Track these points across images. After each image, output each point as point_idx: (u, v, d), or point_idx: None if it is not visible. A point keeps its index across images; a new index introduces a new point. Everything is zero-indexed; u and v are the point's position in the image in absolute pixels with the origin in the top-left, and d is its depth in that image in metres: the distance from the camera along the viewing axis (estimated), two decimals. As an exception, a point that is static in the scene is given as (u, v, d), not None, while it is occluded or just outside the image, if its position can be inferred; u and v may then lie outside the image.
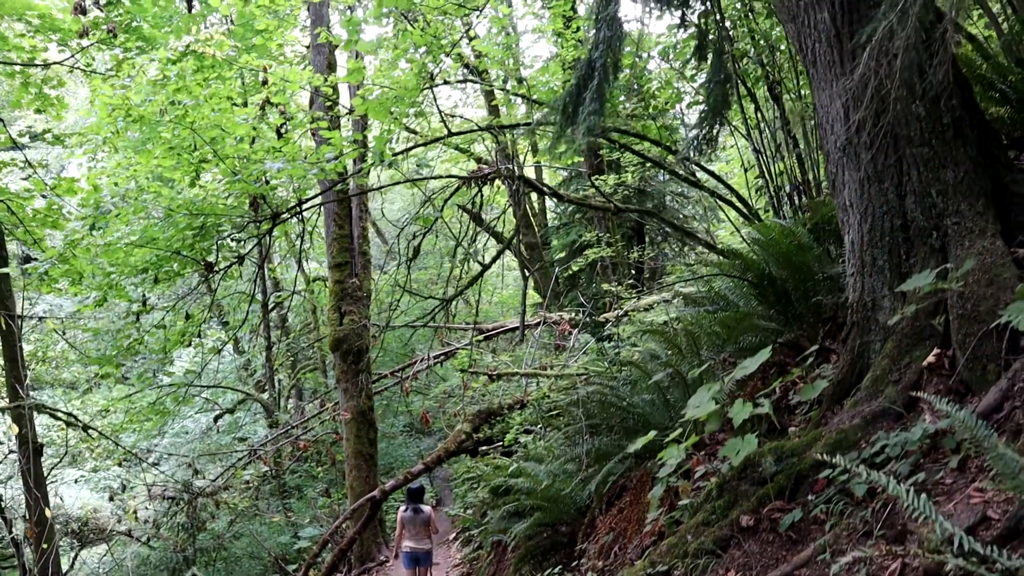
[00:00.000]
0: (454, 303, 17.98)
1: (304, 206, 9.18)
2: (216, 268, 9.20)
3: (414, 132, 21.32)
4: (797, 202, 7.96)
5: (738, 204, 9.16)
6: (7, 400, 16.73)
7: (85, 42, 14.49)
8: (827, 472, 3.87)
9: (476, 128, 9.56)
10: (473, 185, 8.63)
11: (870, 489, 3.66)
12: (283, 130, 10.01)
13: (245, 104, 10.22)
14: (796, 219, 7.34)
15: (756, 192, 9.14)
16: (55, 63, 14.79)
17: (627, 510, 5.81)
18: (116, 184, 9.21)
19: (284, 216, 9.23)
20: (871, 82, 4.21)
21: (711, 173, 9.46)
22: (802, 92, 7.92)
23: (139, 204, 8.68)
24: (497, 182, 9.32)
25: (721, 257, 8.54)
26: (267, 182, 8.97)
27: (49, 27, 14.43)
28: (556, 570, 6.68)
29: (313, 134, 10.90)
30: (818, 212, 6.24)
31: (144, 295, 9.15)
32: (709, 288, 7.05)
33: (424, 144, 9.10)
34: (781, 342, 5.77)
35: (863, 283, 4.73)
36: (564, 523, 7.65)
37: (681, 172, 9.47)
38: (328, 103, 10.53)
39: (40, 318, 17.38)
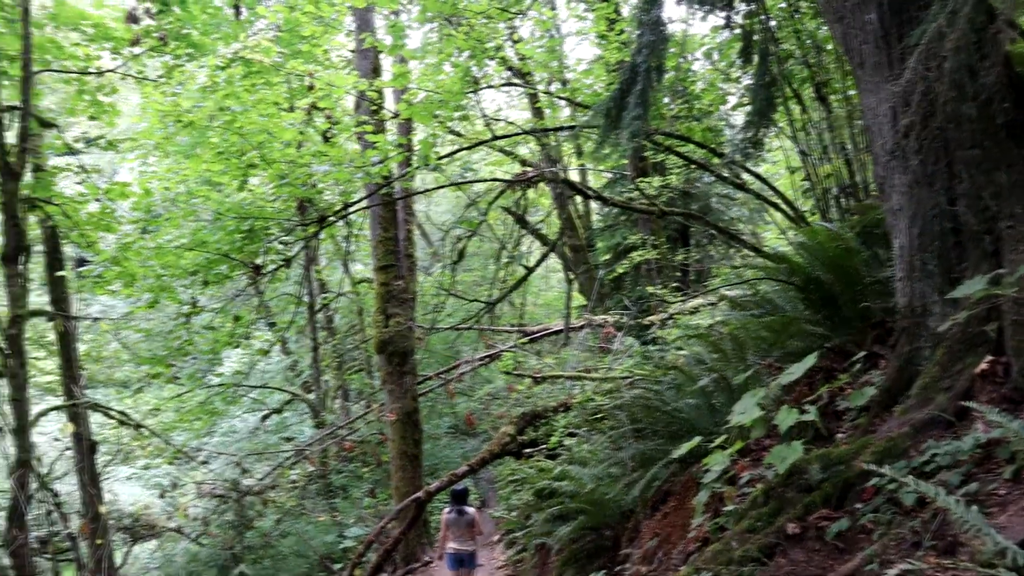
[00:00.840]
0: (498, 305, 18.04)
1: (350, 209, 9.28)
2: (264, 270, 9.35)
3: (459, 135, 21.43)
4: (844, 205, 7.84)
5: (784, 207, 9.05)
6: (64, 398, 17.23)
7: (137, 50, 14.89)
8: (875, 480, 3.81)
9: (520, 132, 9.56)
10: (517, 188, 8.64)
11: (920, 499, 3.59)
12: (329, 134, 10.13)
13: (292, 109, 10.36)
14: (843, 222, 7.24)
15: (802, 194, 9.02)
16: (108, 71, 15.22)
17: (671, 515, 5.78)
18: (167, 188, 9.41)
19: (330, 219, 9.34)
20: (920, 85, 4.13)
21: (756, 175, 9.35)
22: (849, 93, 7.79)
23: (188, 208, 8.86)
24: (541, 184, 9.32)
25: (767, 260, 8.45)
26: (313, 186, 9.09)
27: (103, 36, 14.85)
28: (600, 574, 6.67)
29: (359, 138, 11.02)
30: (866, 215, 6.13)
31: (194, 297, 9.34)
32: (755, 292, 6.98)
33: (468, 147, 9.12)
34: (828, 347, 5.69)
35: (912, 288, 4.65)
36: (608, 527, 7.63)
37: (726, 174, 9.39)
38: (373, 107, 10.64)
39: (94, 319, 17.83)
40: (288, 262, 9.45)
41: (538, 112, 20.88)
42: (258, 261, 9.39)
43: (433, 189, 9.17)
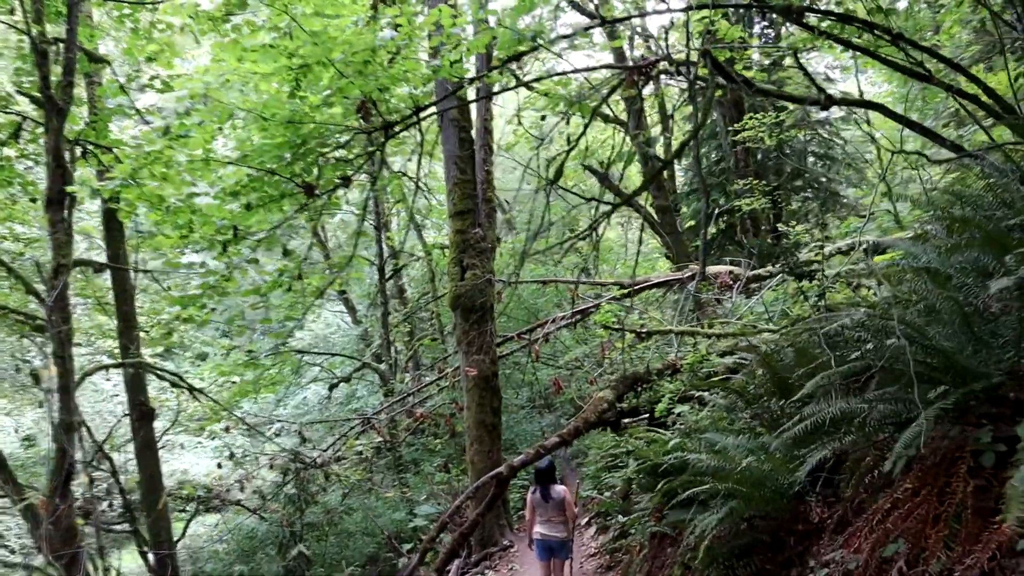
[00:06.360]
0: (590, 265, 16.11)
1: (422, 114, 7.42)
2: (318, 191, 7.57)
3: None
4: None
5: (987, 100, 6.85)
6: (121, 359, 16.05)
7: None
8: None
9: (657, 10, 7.40)
10: (636, 79, 6.66)
11: None
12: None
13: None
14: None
15: (1018, 91, 6.82)
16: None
17: (910, 503, 3.76)
18: (204, 94, 7.60)
19: (397, 128, 7.51)
20: None
21: (947, 61, 7.13)
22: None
23: (222, 106, 7.07)
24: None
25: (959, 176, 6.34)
26: (377, 80, 7.23)
27: (159, -36, 13.39)
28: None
29: (430, 37, 9.12)
30: None
31: (235, 227, 7.58)
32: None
33: (573, 34, 7.07)
34: None
35: None
36: (765, 516, 5.66)
37: (906, 64, 7.18)
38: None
39: (146, 271, 16.49)
40: (347, 181, 7.64)
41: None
42: (310, 180, 7.61)
43: (523, 84, 7.09)
